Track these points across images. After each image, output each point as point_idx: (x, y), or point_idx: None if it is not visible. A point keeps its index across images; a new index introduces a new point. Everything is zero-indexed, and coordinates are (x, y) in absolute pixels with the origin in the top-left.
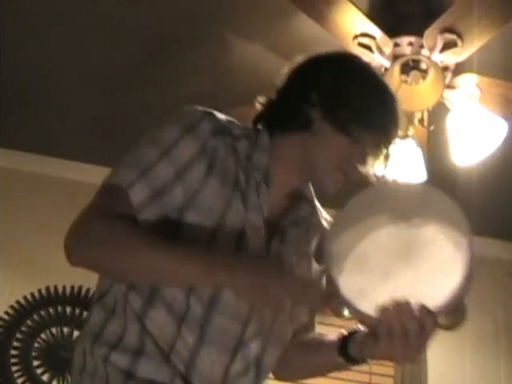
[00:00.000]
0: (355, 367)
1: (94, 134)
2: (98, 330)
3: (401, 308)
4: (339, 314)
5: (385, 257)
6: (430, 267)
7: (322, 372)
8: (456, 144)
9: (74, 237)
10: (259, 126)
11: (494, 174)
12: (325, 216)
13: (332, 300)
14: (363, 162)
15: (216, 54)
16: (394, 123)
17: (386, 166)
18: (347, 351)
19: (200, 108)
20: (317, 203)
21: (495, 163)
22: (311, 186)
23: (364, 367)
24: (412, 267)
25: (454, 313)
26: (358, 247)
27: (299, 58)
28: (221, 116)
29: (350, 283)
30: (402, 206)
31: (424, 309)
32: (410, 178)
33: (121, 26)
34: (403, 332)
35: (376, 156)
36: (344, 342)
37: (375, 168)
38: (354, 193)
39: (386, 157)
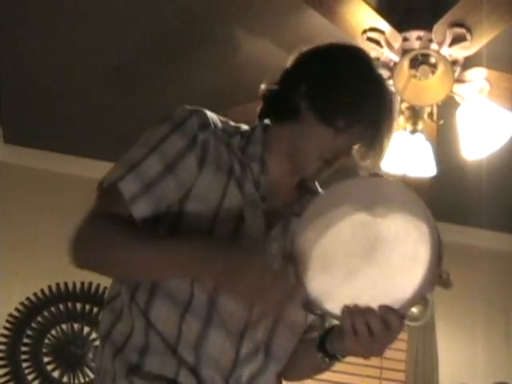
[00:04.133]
0: (366, 362)
1: (104, 130)
2: (107, 333)
3: (363, 307)
4: (313, 312)
5: (347, 254)
6: (392, 264)
7: (310, 370)
8: (465, 138)
9: (74, 242)
10: (264, 121)
11: (503, 167)
12: None
13: (296, 295)
14: (348, 153)
15: (225, 51)
16: (384, 116)
17: (380, 161)
18: (325, 348)
19: (188, 107)
20: None
21: (505, 157)
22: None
23: (375, 362)
24: (374, 265)
25: (420, 306)
26: (321, 244)
27: (298, 51)
28: (211, 114)
29: (315, 283)
30: (365, 200)
31: (386, 307)
32: (419, 173)
33: (130, 25)
34: (368, 331)
35: (369, 149)
36: (322, 339)
37: (371, 161)
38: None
39: (380, 151)
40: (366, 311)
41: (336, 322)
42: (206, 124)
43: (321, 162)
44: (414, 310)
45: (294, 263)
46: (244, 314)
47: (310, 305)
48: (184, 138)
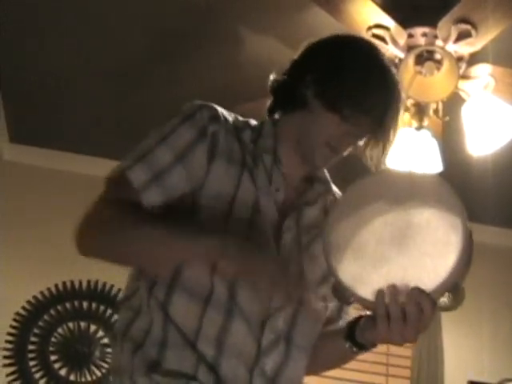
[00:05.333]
0: (372, 359)
1: (108, 129)
2: (125, 328)
3: (396, 290)
4: (345, 301)
5: (379, 243)
6: (423, 251)
7: (336, 361)
8: (471, 134)
9: (79, 228)
10: (273, 116)
11: (509, 163)
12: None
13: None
14: (354, 141)
15: (229, 49)
16: (390, 105)
17: (386, 151)
18: (354, 337)
19: (199, 101)
20: (333, 186)
21: (510, 153)
22: (325, 170)
23: (381, 359)
24: (406, 252)
25: (452, 293)
26: (355, 236)
27: (305, 43)
28: (221, 108)
29: (347, 271)
30: (396, 192)
31: (419, 291)
32: (425, 169)
33: (133, 24)
34: (401, 314)
35: (374, 138)
36: (351, 329)
37: (377, 152)
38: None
39: (386, 140)
40: (400, 294)
41: (365, 310)
42: (216, 117)
43: (327, 150)
44: (445, 298)
45: (325, 254)
46: (263, 304)
47: (342, 292)
48: (193, 129)
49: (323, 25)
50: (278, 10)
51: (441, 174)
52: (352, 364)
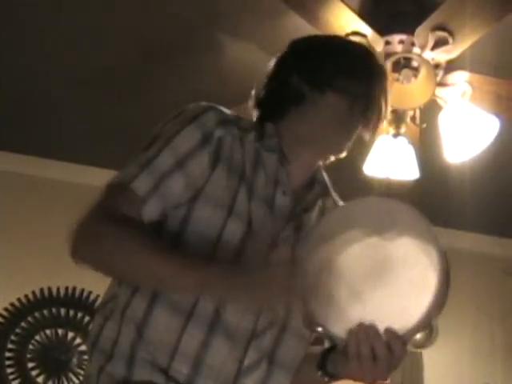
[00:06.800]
0: None
1: (95, 136)
2: (95, 338)
3: (368, 331)
4: (313, 330)
5: (355, 276)
6: (399, 288)
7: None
8: (448, 141)
9: (78, 236)
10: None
11: (486, 170)
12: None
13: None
14: (358, 110)
15: (211, 55)
16: (377, 70)
17: (380, 123)
18: (326, 367)
19: (204, 103)
20: (332, 191)
21: (487, 160)
22: (324, 174)
23: None
24: (381, 288)
25: (425, 332)
26: (332, 264)
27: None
28: (226, 110)
29: (321, 305)
30: (374, 222)
31: (391, 332)
32: (402, 176)
33: (118, 33)
34: (372, 355)
35: (369, 110)
36: (323, 358)
37: (372, 124)
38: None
39: (379, 112)
40: (372, 335)
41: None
42: (223, 121)
43: (343, 130)
44: (418, 336)
45: (299, 283)
46: (250, 323)
47: (315, 327)
48: (198, 132)
49: (302, 31)
50: (257, 17)
51: (418, 181)
52: None
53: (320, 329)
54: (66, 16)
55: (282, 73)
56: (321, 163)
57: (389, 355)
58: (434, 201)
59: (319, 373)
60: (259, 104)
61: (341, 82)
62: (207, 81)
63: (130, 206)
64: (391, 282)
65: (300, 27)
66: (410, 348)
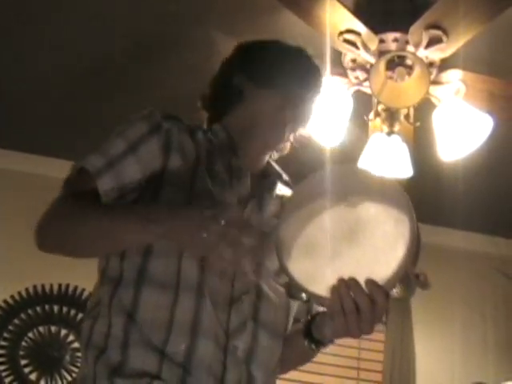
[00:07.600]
0: (343, 363)
1: (80, 133)
2: (87, 337)
3: (349, 285)
4: (297, 298)
5: (329, 239)
6: (373, 244)
7: (297, 361)
8: (442, 140)
9: (38, 225)
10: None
11: (479, 169)
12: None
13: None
14: (289, 106)
15: (203, 54)
16: (312, 71)
17: (307, 119)
18: (312, 335)
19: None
20: (287, 178)
21: (481, 158)
22: (276, 165)
23: (352, 363)
24: (356, 246)
25: (403, 283)
26: (304, 233)
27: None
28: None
29: (300, 268)
30: (342, 188)
31: (371, 282)
32: (396, 174)
33: (105, 27)
34: (355, 308)
35: (301, 103)
36: (308, 326)
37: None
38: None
39: (307, 108)
40: (353, 287)
41: (320, 306)
42: (169, 116)
43: (280, 125)
44: (397, 289)
45: (276, 252)
46: (228, 288)
47: (294, 290)
48: (147, 124)
49: (295, 29)
50: (250, 15)
51: (411, 179)
52: (322, 368)
53: (303, 294)
54: (54, 11)
55: (225, 73)
56: (267, 158)
57: (372, 306)
58: (427, 199)
59: (306, 342)
60: (206, 103)
61: (276, 79)
62: (200, 78)
63: (85, 184)
64: (366, 239)
65: (294, 25)
66: (392, 294)
